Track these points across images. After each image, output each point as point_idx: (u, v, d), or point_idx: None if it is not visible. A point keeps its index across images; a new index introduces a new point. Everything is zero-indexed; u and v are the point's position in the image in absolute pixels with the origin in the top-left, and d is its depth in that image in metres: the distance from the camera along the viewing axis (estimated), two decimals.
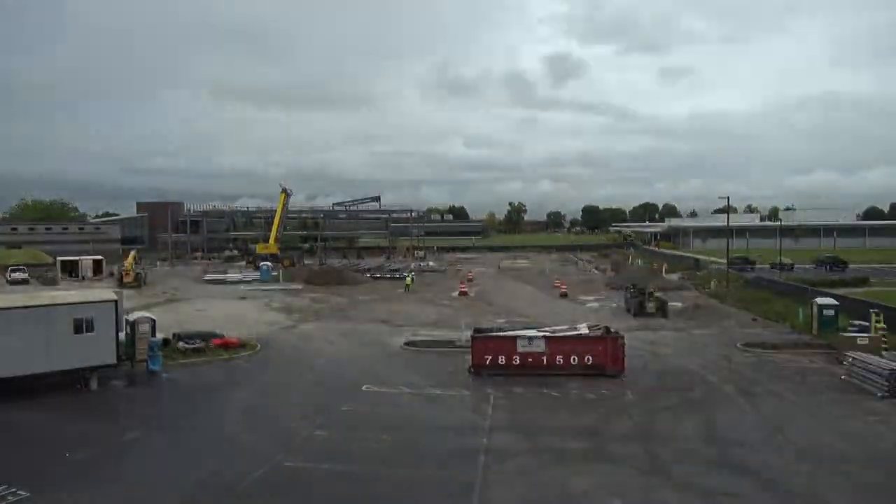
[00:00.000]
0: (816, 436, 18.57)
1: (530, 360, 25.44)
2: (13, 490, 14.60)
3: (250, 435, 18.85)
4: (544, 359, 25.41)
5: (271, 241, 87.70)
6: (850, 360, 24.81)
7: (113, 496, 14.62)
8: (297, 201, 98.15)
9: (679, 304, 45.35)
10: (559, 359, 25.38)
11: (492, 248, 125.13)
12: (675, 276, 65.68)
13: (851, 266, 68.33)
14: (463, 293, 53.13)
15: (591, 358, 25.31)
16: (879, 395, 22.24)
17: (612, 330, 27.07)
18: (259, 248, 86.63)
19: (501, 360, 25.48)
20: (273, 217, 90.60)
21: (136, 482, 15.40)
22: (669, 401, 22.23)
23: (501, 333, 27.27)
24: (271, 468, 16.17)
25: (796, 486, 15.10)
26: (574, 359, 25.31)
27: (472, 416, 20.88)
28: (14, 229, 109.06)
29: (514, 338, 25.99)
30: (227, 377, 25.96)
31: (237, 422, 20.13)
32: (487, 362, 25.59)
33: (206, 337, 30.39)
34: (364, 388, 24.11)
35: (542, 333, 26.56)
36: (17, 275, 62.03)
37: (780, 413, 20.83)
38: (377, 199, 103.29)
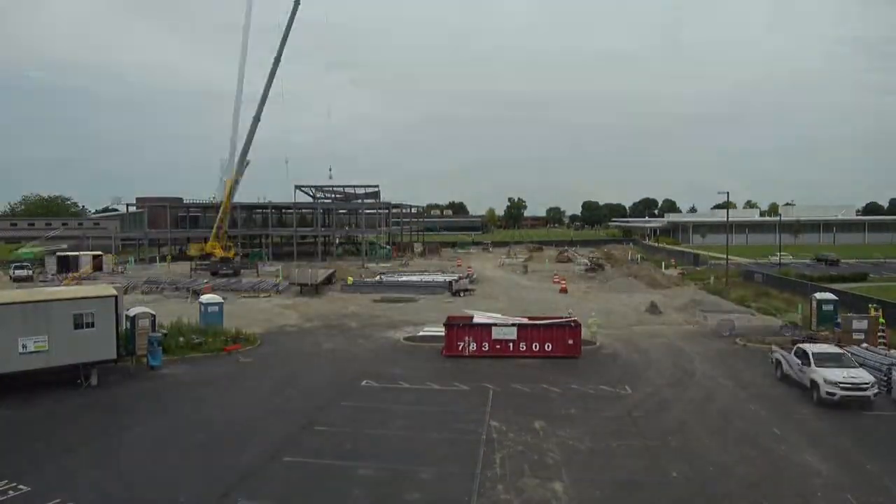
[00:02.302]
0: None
1: (498, 346, 28.02)
2: (14, 485, 14.69)
3: (250, 430, 18.89)
4: (511, 345, 28.08)
5: (212, 238, 67.83)
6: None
7: (113, 492, 14.68)
8: (289, 195, 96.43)
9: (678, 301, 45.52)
10: (532, 345, 27.92)
11: (492, 244, 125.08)
12: (674, 272, 65.73)
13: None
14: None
15: (554, 344, 27.94)
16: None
17: (572, 320, 29.55)
18: (192, 249, 65.24)
19: (473, 346, 27.97)
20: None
21: (135, 478, 15.45)
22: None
23: (477, 322, 29.50)
24: (271, 463, 16.23)
25: None
26: (535, 345, 27.91)
27: (472, 409, 20.96)
28: (14, 224, 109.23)
29: (490, 326, 28.56)
30: (227, 372, 26.02)
31: (237, 417, 20.17)
32: (460, 348, 28.05)
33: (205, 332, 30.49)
34: (364, 383, 24.19)
35: (511, 322, 29.37)
36: (20, 272, 62.00)
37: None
38: (376, 188, 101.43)
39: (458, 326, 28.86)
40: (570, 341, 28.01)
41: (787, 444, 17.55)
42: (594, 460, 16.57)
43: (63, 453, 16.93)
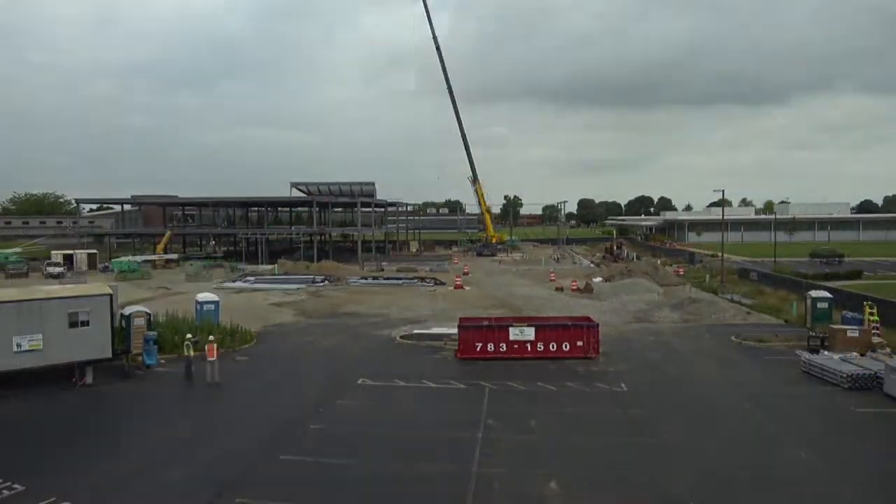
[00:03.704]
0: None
1: (516, 346, 27.37)
2: (8, 484, 14.63)
3: (246, 428, 18.87)
4: (529, 346, 27.41)
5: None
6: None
7: (108, 491, 14.63)
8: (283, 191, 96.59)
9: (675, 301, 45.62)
10: (550, 346, 27.32)
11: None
12: (669, 269, 65.84)
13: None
14: (459, 287, 53.20)
15: (571, 345, 27.38)
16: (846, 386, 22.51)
17: (592, 320, 29.04)
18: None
19: (491, 347, 27.31)
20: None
21: (130, 476, 15.40)
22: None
23: (493, 323, 28.80)
24: (266, 463, 16.19)
25: None
26: (553, 345, 27.34)
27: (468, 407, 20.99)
28: (8, 223, 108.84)
29: (507, 327, 27.84)
30: (223, 370, 25.91)
31: (232, 416, 20.14)
32: (478, 349, 27.19)
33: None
34: (360, 381, 24.17)
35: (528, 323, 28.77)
36: (53, 269, 61.39)
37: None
38: (371, 186, 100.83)
39: (473, 328, 28.21)
40: (589, 341, 27.47)
41: None
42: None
43: (58, 452, 16.88)
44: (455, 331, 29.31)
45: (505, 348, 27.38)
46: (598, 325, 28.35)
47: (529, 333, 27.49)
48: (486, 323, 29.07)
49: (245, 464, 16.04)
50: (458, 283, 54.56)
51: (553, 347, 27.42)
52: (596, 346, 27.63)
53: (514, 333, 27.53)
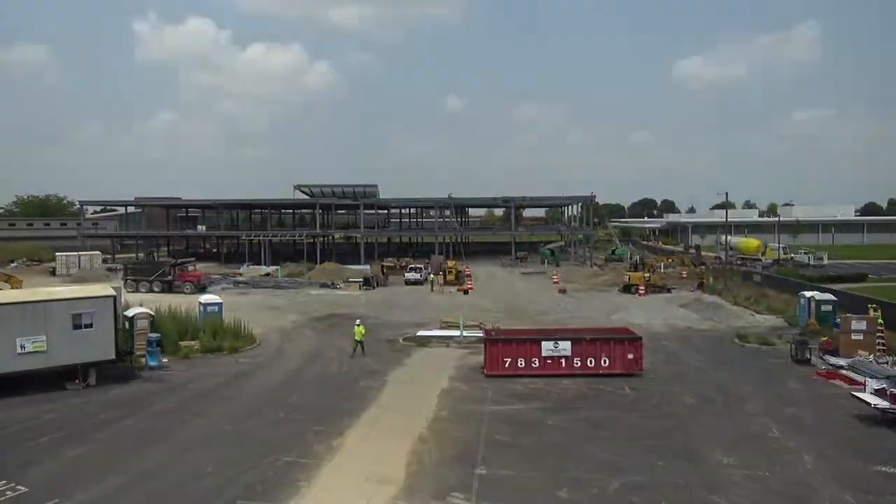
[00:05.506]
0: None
1: (549, 362, 24.72)
2: (12, 485, 14.67)
3: (247, 430, 18.89)
4: (564, 361, 24.70)
5: None
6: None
7: (111, 493, 14.64)
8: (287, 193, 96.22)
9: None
10: (588, 361, 24.70)
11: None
12: (671, 272, 65.60)
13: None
14: (462, 290, 53.21)
15: (611, 360, 24.65)
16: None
17: (632, 332, 26.87)
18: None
19: (521, 363, 24.74)
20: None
21: (133, 478, 15.41)
22: None
23: (522, 336, 26.28)
24: (270, 467, 16.16)
25: None
26: (591, 361, 24.66)
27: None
28: (12, 225, 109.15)
29: (539, 341, 25.16)
30: (225, 372, 25.95)
31: (234, 417, 20.14)
32: (507, 365, 24.77)
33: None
34: (362, 384, 24.14)
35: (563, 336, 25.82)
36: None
37: None
38: (374, 188, 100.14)
39: (501, 342, 25.56)
40: (630, 356, 24.91)
41: None
42: None
43: (61, 454, 16.91)
44: (458, 333, 29.25)
45: (537, 364, 24.71)
46: (640, 337, 25.70)
47: (565, 348, 25.01)
48: (515, 336, 26.31)
49: (248, 466, 16.01)
50: (461, 286, 54.48)
51: (591, 363, 24.74)
52: (640, 362, 25.02)
53: (548, 348, 24.95)
